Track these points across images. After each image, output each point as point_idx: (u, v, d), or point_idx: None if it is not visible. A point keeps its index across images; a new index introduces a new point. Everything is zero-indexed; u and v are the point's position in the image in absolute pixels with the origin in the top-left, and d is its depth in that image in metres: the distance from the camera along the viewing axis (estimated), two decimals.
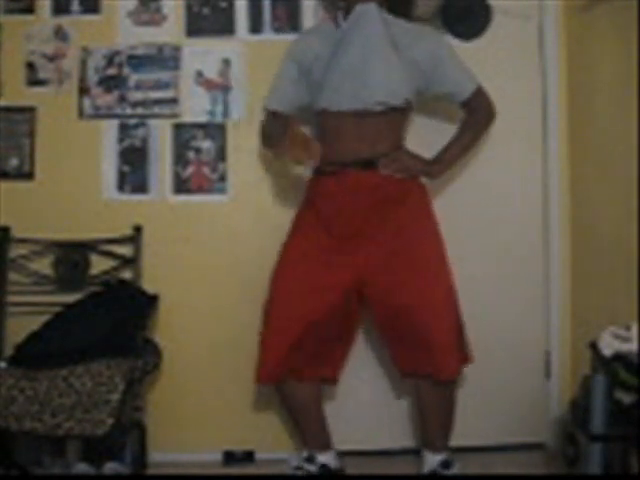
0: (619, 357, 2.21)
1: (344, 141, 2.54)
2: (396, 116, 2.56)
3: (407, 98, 2.54)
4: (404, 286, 2.49)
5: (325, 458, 2.65)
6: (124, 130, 3.03)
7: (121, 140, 3.03)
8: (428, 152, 2.65)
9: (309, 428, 2.66)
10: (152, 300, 2.84)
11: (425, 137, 2.84)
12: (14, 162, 3.03)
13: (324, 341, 2.59)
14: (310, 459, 2.64)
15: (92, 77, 3.03)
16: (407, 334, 2.51)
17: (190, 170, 3.04)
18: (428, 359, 2.48)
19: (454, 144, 2.64)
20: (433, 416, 2.59)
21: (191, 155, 3.04)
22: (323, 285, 2.53)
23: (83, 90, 3.03)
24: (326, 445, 2.67)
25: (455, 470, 2.58)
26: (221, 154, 3.04)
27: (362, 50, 2.49)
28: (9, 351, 2.76)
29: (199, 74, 3.03)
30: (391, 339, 2.61)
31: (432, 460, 2.59)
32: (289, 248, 2.63)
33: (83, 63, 3.03)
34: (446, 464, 2.58)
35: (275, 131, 2.55)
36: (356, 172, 2.52)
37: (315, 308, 2.52)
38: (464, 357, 2.58)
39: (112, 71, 3.03)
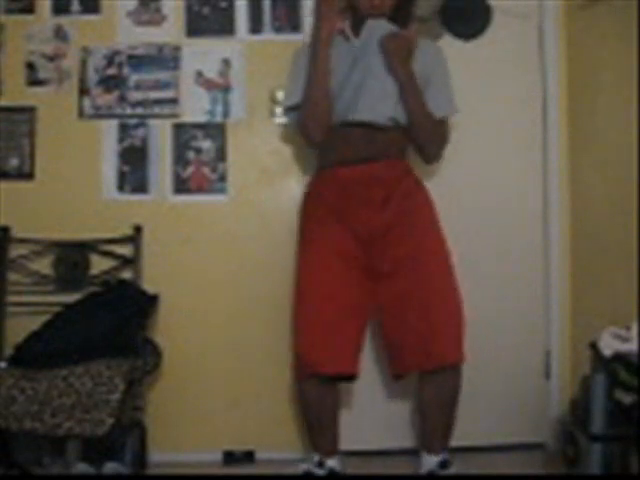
0: (619, 357, 2.21)
1: (351, 150, 2.56)
2: (394, 134, 2.57)
3: (392, 117, 2.52)
4: (408, 271, 2.51)
5: (333, 462, 2.63)
6: (124, 130, 3.03)
7: (121, 140, 3.03)
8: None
9: (324, 433, 2.63)
10: (152, 300, 2.84)
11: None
12: (14, 162, 3.03)
13: (346, 335, 2.58)
14: (321, 464, 2.62)
15: (92, 77, 3.03)
16: (413, 319, 2.50)
17: (190, 170, 3.04)
18: (433, 344, 2.47)
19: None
20: (434, 416, 2.58)
21: (191, 155, 3.04)
22: (346, 284, 2.54)
23: (83, 90, 3.03)
24: (336, 450, 2.66)
25: (453, 470, 2.58)
26: (221, 154, 3.03)
27: (363, 66, 2.50)
28: (9, 351, 2.75)
29: (199, 74, 3.03)
30: (395, 329, 2.57)
31: (430, 461, 2.57)
32: (311, 248, 2.60)
33: (83, 63, 3.03)
34: (443, 465, 2.57)
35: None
36: (360, 164, 2.55)
37: (339, 306, 2.53)
38: (462, 351, 2.55)
39: (112, 71, 3.03)
